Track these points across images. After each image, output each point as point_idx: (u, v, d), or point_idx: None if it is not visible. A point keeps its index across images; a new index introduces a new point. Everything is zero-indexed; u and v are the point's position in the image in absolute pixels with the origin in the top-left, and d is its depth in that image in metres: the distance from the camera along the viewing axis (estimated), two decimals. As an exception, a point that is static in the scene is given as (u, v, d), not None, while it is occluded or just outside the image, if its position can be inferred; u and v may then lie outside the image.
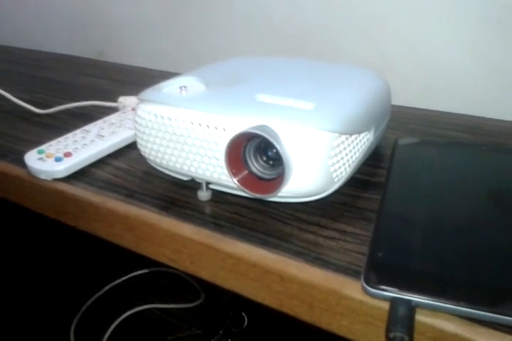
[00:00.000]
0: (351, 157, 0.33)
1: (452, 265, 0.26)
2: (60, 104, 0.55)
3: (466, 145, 0.41)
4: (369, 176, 0.38)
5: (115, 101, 0.54)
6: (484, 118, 0.50)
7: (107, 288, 0.74)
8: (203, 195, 0.36)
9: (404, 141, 0.40)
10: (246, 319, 0.67)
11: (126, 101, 0.51)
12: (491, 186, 0.34)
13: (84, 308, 0.71)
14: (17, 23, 0.93)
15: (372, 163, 0.40)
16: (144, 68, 0.77)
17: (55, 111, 0.55)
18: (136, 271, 0.76)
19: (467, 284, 0.25)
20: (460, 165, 0.37)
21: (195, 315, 0.69)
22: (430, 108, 0.54)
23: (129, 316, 0.69)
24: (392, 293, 0.25)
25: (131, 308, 0.70)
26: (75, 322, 0.70)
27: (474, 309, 0.23)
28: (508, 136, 0.46)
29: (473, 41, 0.51)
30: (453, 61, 0.53)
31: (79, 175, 0.40)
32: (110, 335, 0.67)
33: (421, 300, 0.24)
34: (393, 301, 0.24)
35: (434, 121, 0.50)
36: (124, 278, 0.75)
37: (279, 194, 0.31)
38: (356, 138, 0.34)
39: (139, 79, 0.72)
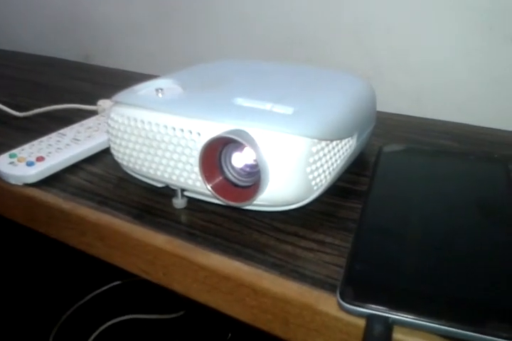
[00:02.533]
0: (332, 164, 0.32)
1: (434, 280, 0.24)
2: (41, 107, 0.54)
3: (453, 153, 0.40)
4: (351, 184, 0.37)
5: (96, 104, 0.53)
6: (474, 126, 0.49)
7: (87, 297, 0.71)
8: (178, 202, 0.34)
9: (389, 148, 0.39)
10: (229, 333, 0.65)
11: (105, 104, 0.50)
12: (478, 196, 0.33)
13: (63, 318, 0.69)
14: (2, 25, 0.92)
15: (356, 170, 0.39)
16: (130, 71, 0.75)
17: (34, 114, 0.53)
18: (118, 280, 0.74)
19: (449, 301, 0.23)
20: (446, 174, 0.35)
21: (177, 326, 0.67)
22: (420, 115, 0.53)
23: (109, 326, 0.67)
24: (369, 309, 0.23)
25: (112, 318, 0.68)
26: (53, 332, 0.67)
27: (456, 328, 0.22)
28: (497, 145, 0.44)
29: (465, 48, 0.50)
30: (444, 68, 0.52)
31: (51, 181, 0.39)
32: (89, 346, 0.65)
33: (399, 318, 0.23)
34: (369, 318, 0.23)
35: (423, 129, 0.48)
36: (105, 288, 0.73)
37: (256, 202, 0.30)
38: (337, 144, 0.32)
39: (123, 83, 0.70)
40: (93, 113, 0.52)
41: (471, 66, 0.50)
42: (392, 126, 0.48)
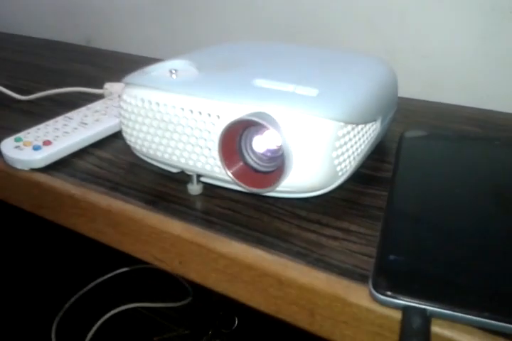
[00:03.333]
0: (357, 149, 0.31)
1: (471, 269, 0.23)
2: (44, 90, 0.52)
3: (477, 139, 0.38)
4: (373, 171, 0.36)
5: (101, 88, 0.51)
6: (495, 111, 0.48)
7: (91, 285, 0.70)
8: (194, 188, 0.33)
9: (411, 133, 0.38)
10: (236, 319, 0.64)
11: (112, 87, 0.48)
12: (506, 183, 0.31)
13: (67, 306, 0.68)
14: (4, 8, 0.89)
15: (377, 156, 0.37)
16: (133, 55, 0.73)
17: (37, 98, 0.51)
18: (123, 267, 0.73)
19: (489, 292, 0.22)
20: (472, 160, 0.34)
21: (183, 314, 0.66)
22: (437, 100, 0.51)
23: (113, 315, 0.66)
24: (405, 300, 0.22)
25: (116, 307, 0.66)
26: (56, 320, 0.66)
27: (499, 321, 0.21)
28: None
29: (483, 31, 0.48)
30: (461, 52, 0.50)
31: (59, 166, 0.37)
32: (93, 335, 0.63)
33: (437, 310, 0.21)
34: (406, 310, 0.22)
35: (442, 114, 0.47)
36: (109, 275, 0.71)
37: (278, 188, 0.29)
38: (362, 128, 0.31)
39: (127, 67, 0.68)
40: (99, 97, 0.50)
41: (490, 50, 0.48)
42: (411, 112, 0.47)
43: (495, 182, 0.31)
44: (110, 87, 0.48)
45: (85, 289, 0.70)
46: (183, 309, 0.67)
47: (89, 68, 0.66)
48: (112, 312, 0.66)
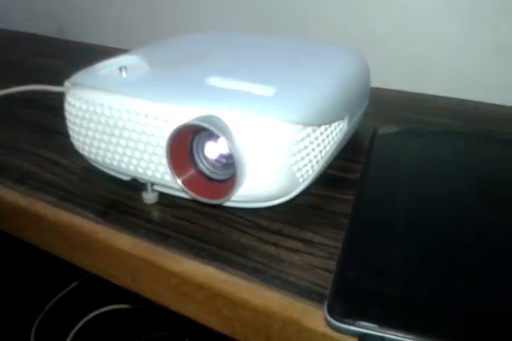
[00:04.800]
0: (320, 152, 0.28)
1: (437, 289, 0.21)
2: (5, 88, 0.49)
3: (455, 134, 0.36)
4: (344, 172, 0.33)
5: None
6: (477, 102, 0.45)
7: (71, 286, 0.68)
8: (148, 197, 0.30)
9: (385, 130, 0.35)
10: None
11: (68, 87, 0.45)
12: (484, 183, 0.29)
13: (46, 309, 0.66)
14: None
15: (348, 156, 0.35)
16: (106, 47, 0.70)
17: (-3, 97, 0.48)
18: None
19: (457, 318, 0.20)
20: (448, 158, 0.32)
21: (165, 315, 0.65)
22: (417, 91, 0.48)
23: (94, 317, 0.64)
24: (361, 327, 0.20)
25: (97, 308, 0.65)
26: (36, 323, 0.65)
27: (464, 351, 0.19)
28: (502, 122, 0.41)
29: (467, 14, 0.45)
30: (444, 37, 0.47)
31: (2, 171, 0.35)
32: (73, 337, 0.62)
33: (396, 338, 0.19)
34: (362, 338, 0.20)
35: (420, 106, 0.44)
36: (89, 276, 0.70)
37: (234, 198, 0.26)
38: (326, 129, 0.28)
39: (99, 60, 0.65)
40: (61, 95, 0.47)
41: (474, 35, 0.45)
42: (388, 104, 0.44)
43: (473, 183, 0.29)
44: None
45: (65, 291, 0.68)
46: (164, 310, 0.65)
47: (58, 62, 0.63)
48: (93, 313, 0.65)
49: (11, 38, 0.76)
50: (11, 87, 0.49)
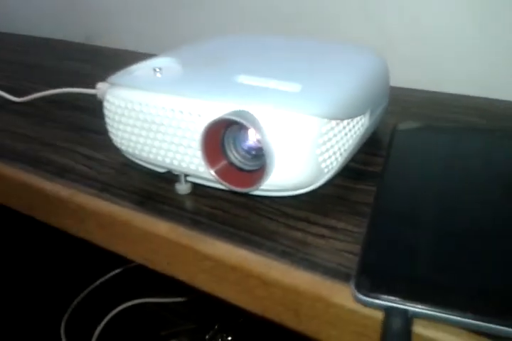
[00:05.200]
0: (343, 145, 0.30)
1: (457, 269, 0.23)
2: (40, 91, 0.52)
3: (477, 130, 0.37)
4: (365, 165, 0.35)
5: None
6: (498, 100, 0.46)
7: (99, 281, 0.71)
8: (182, 188, 0.32)
9: (405, 126, 0.37)
10: (242, 313, 0.64)
11: (105, 87, 0.47)
12: (506, 178, 0.30)
13: (75, 303, 0.69)
14: (1, 7, 0.89)
15: (369, 150, 0.36)
16: (133, 52, 0.73)
17: (33, 99, 0.51)
18: (129, 263, 0.73)
19: (474, 291, 0.21)
20: (468, 154, 0.33)
21: (190, 309, 0.67)
22: (435, 90, 0.50)
23: (121, 311, 0.67)
24: (386, 301, 0.21)
25: (124, 302, 0.67)
26: (65, 317, 0.67)
27: (482, 321, 0.20)
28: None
29: (484, 13, 0.46)
30: (461, 37, 0.48)
31: (49, 167, 0.37)
32: (101, 331, 0.64)
33: (419, 310, 0.21)
34: (388, 311, 0.21)
35: (440, 104, 0.45)
36: (116, 271, 0.72)
37: (263, 187, 0.28)
38: (349, 123, 0.30)
39: (127, 64, 0.68)
40: (94, 96, 0.50)
41: (492, 34, 0.47)
42: (407, 102, 0.46)
43: (494, 177, 0.30)
44: (103, 86, 0.48)
45: (93, 285, 0.71)
46: (189, 303, 0.67)
47: (87, 66, 0.66)
48: (120, 307, 0.67)
49: (41, 45, 0.79)
50: (46, 90, 0.52)
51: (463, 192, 0.29)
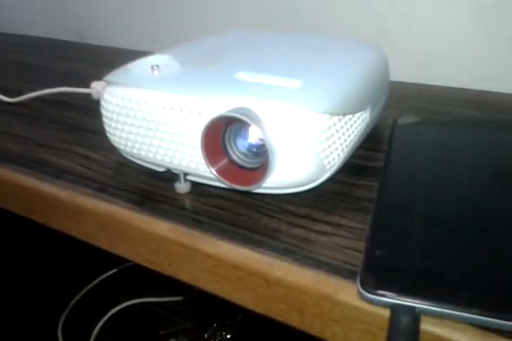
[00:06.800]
0: (345, 140, 0.30)
1: (464, 264, 0.22)
2: (34, 91, 0.51)
3: (474, 123, 0.37)
4: (365, 161, 0.35)
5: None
6: (495, 92, 0.46)
7: (96, 281, 0.71)
8: (181, 187, 0.32)
9: (404, 120, 0.36)
10: (241, 311, 0.64)
11: (99, 86, 0.47)
12: (505, 170, 0.30)
13: (72, 303, 0.68)
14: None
15: (369, 145, 0.36)
16: (128, 50, 0.72)
17: (27, 99, 0.50)
18: (126, 263, 0.73)
19: (481, 287, 0.21)
20: (468, 146, 0.33)
21: (188, 308, 0.67)
22: (433, 83, 0.50)
23: (119, 310, 0.66)
24: (393, 298, 0.21)
25: (122, 302, 0.67)
26: (62, 317, 0.67)
27: (489, 317, 0.20)
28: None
29: (480, 6, 0.46)
30: (457, 30, 0.48)
31: (45, 168, 0.37)
32: (99, 331, 0.64)
33: (426, 307, 0.21)
34: (394, 308, 0.21)
35: (438, 98, 0.45)
36: (113, 271, 0.72)
37: (265, 185, 0.28)
38: (350, 119, 0.30)
39: (121, 62, 0.67)
40: (88, 95, 0.50)
41: (488, 27, 0.47)
42: (406, 96, 0.46)
43: (494, 169, 0.30)
44: (97, 85, 0.47)
45: (90, 285, 0.70)
46: (187, 302, 0.67)
47: (81, 65, 0.65)
48: (118, 307, 0.67)
49: (34, 44, 0.78)
50: (39, 90, 0.51)
51: (467, 185, 0.28)
